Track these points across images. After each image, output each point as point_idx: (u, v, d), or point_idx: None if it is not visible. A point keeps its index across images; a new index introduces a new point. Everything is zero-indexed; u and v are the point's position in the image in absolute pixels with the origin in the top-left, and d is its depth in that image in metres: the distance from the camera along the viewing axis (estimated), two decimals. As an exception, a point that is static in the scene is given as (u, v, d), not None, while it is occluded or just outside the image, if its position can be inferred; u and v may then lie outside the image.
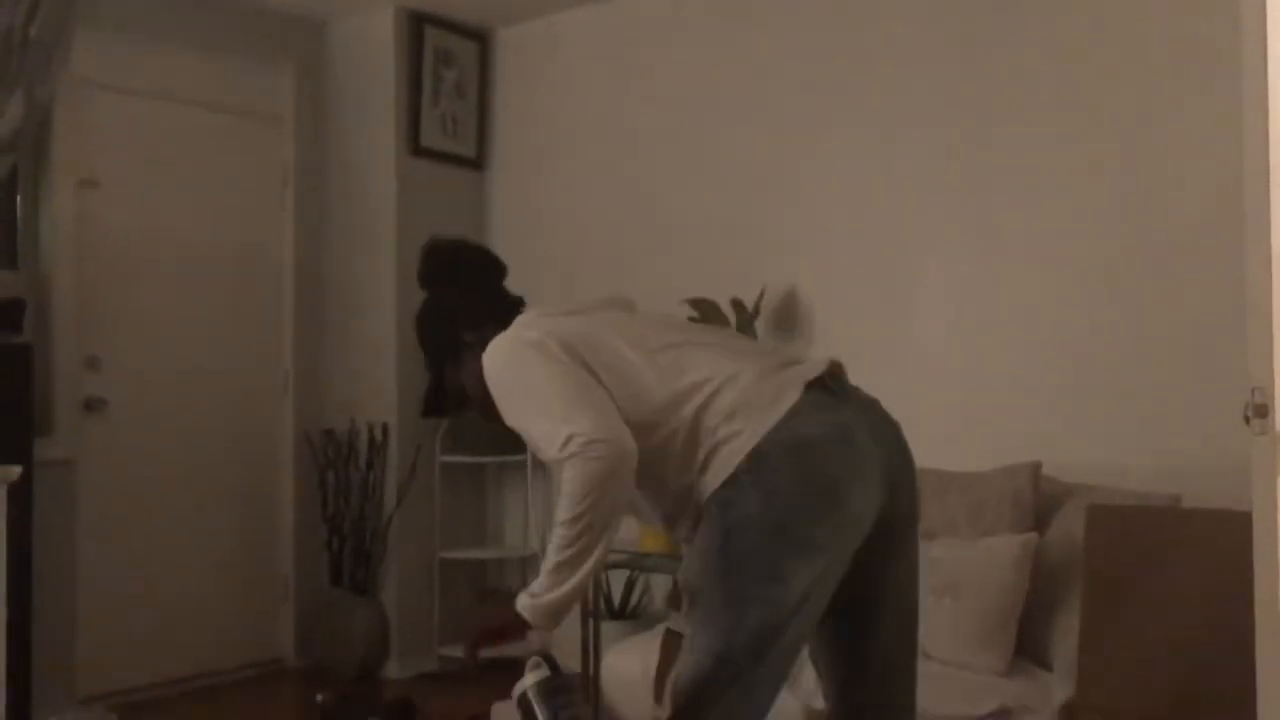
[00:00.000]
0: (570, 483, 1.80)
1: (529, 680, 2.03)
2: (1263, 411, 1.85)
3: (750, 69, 4.40)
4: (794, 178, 4.26)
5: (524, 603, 1.91)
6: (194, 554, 4.69)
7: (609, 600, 4.38)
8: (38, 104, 4.04)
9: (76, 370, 4.32)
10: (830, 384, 1.94)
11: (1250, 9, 1.89)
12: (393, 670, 4.83)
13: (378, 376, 4.94)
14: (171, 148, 4.69)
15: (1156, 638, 2.72)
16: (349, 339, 5.06)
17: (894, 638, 2.01)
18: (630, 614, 4.40)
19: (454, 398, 2.21)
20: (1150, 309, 3.49)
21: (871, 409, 1.98)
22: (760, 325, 4.15)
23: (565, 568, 1.85)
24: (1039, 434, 3.57)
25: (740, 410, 1.87)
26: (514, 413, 1.94)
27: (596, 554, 1.83)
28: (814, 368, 1.95)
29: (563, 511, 1.82)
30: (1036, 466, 3.28)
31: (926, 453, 3.58)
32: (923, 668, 2.92)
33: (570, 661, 3.82)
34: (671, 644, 1.87)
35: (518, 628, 1.93)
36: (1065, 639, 2.98)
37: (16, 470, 3.46)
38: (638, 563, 3.91)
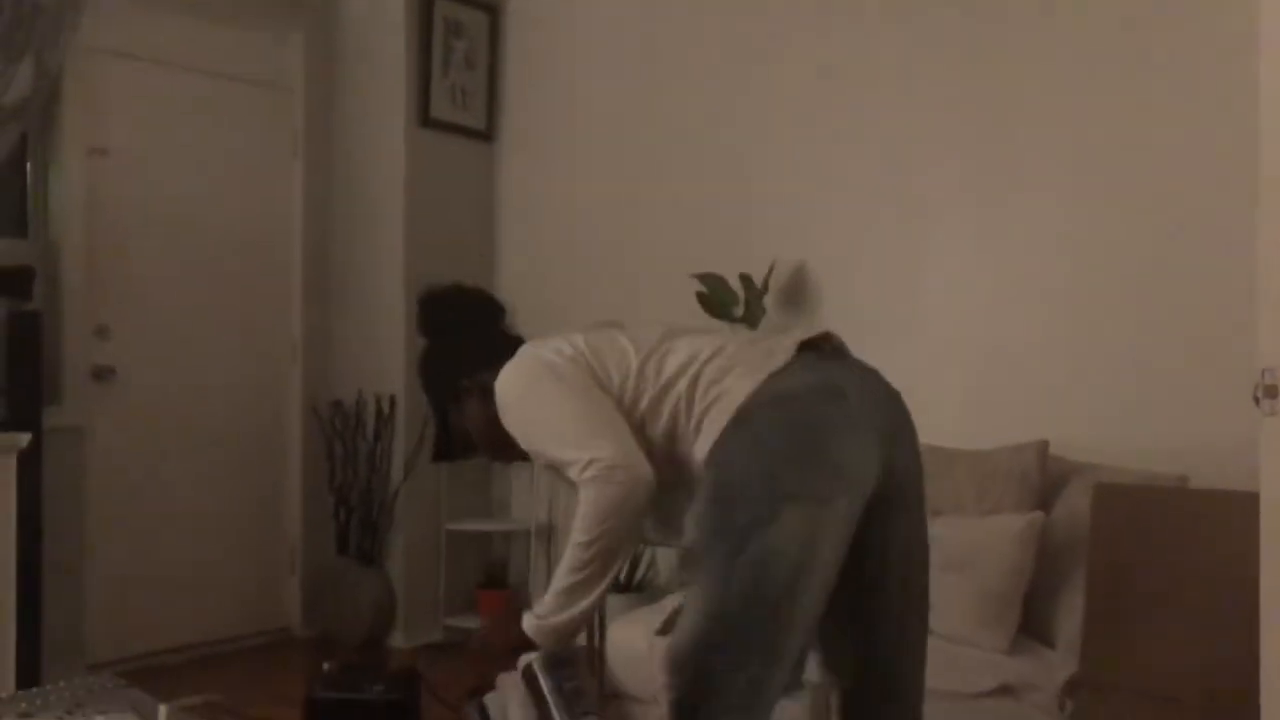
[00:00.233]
0: (588, 504, 1.82)
1: (534, 652, 2.04)
2: (1273, 392, 1.84)
3: (762, 42, 4.37)
4: (804, 152, 4.24)
5: (530, 624, 1.92)
6: (202, 523, 4.71)
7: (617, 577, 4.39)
8: (47, 72, 4.03)
9: (86, 339, 4.33)
10: (827, 346, 1.96)
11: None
12: (398, 640, 4.86)
13: (386, 348, 4.94)
14: (181, 116, 4.68)
15: (1161, 617, 2.73)
16: (357, 310, 5.07)
17: (900, 611, 1.97)
18: (636, 587, 4.41)
19: (459, 442, 2.22)
20: (1160, 289, 3.47)
21: (867, 374, 1.96)
22: (769, 300, 4.14)
23: (577, 590, 1.87)
24: (1046, 412, 3.56)
25: (729, 373, 1.88)
26: (535, 442, 1.97)
27: (607, 579, 1.85)
28: (806, 332, 1.97)
29: (578, 534, 1.84)
30: (1044, 445, 3.28)
31: (933, 430, 3.58)
32: (928, 644, 2.94)
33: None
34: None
35: (523, 646, 1.93)
36: (1069, 618, 2.98)
37: (26, 438, 3.48)
38: (644, 536, 3.92)
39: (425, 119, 4.97)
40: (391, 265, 4.94)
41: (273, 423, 5.00)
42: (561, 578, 1.87)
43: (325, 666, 3.34)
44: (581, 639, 3.78)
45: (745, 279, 4.11)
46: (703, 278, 4.14)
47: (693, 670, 1.79)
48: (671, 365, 1.94)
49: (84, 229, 4.31)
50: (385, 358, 4.94)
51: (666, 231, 4.59)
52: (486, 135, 5.21)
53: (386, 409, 4.90)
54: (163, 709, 2.11)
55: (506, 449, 2.09)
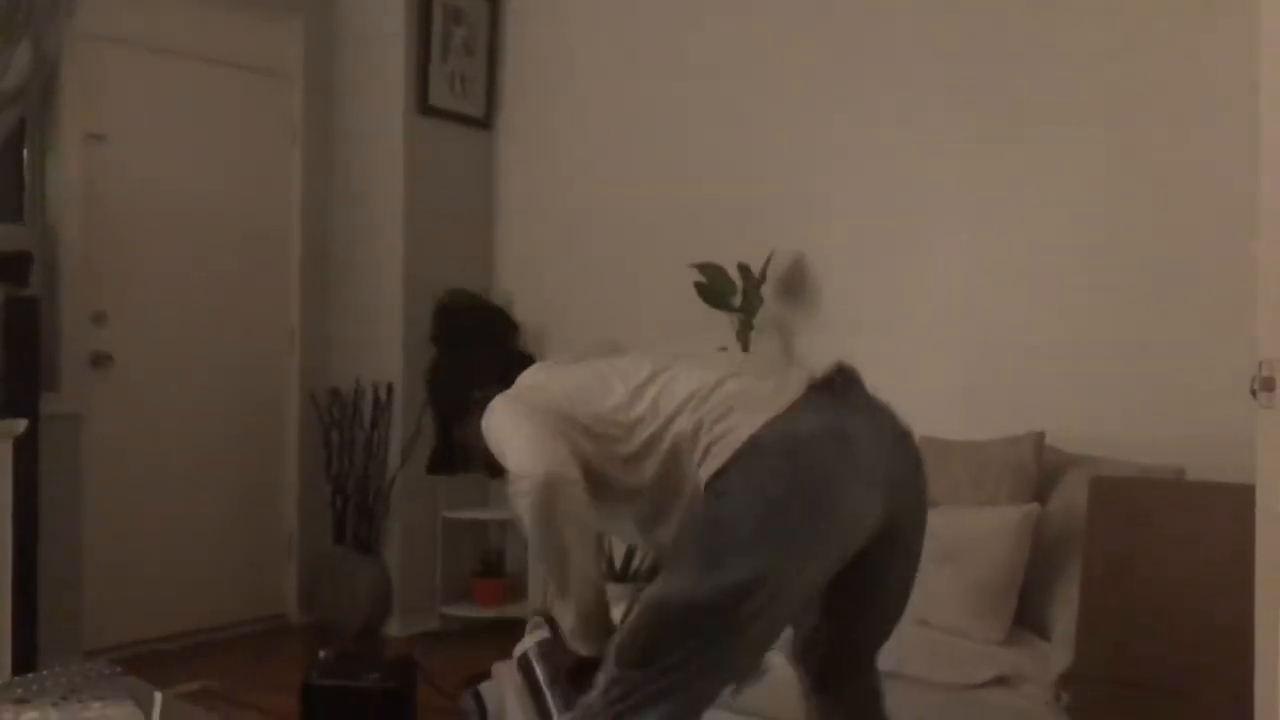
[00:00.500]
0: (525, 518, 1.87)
1: (529, 640, 2.05)
2: (1269, 385, 1.84)
3: (761, 33, 4.36)
4: (803, 143, 4.24)
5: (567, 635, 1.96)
6: (199, 510, 4.71)
7: (611, 562, 4.40)
8: (44, 57, 4.02)
9: (83, 325, 4.33)
10: (835, 386, 1.92)
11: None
12: (394, 628, 4.86)
13: (383, 336, 4.94)
14: (179, 103, 4.67)
15: (1156, 609, 2.73)
16: (355, 298, 5.06)
17: (872, 632, 2.02)
18: (632, 577, 4.41)
19: (461, 455, 2.24)
20: (1158, 280, 3.47)
21: (879, 414, 1.94)
22: (767, 290, 4.14)
23: (563, 594, 1.91)
24: (1043, 404, 3.57)
25: (737, 406, 1.87)
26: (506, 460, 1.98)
27: (574, 580, 1.87)
28: (819, 370, 1.94)
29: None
30: (1040, 436, 3.28)
31: (930, 421, 3.59)
32: (922, 636, 2.95)
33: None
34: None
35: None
36: (1065, 609, 2.99)
37: (22, 424, 3.48)
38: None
39: (424, 106, 4.96)
40: (389, 253, 4.93)
41: (270, 410, 4.99)
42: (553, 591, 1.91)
43: (322, 654, 3.35)
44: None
45: (743, 269, 4.11)
46: (701, 267, 4.14)
47: (640, 648, 1.80)
48: (680, 392, 1.93)
49: (81, 215, 4.30)
50: (382, 346, 4.94)
51: (665, 220, 4.58)
52: (485, 123, 5.20)
53: (384, 397, 4.90)
54: (158, 696, 2.12)
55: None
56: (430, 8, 4.94)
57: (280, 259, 5.03)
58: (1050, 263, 3.69)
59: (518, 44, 5.17)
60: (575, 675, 1.96)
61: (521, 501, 1.84)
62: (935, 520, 3.12)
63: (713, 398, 1.90)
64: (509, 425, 1.94)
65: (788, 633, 2.03)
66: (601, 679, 1.81)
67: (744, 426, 1.83)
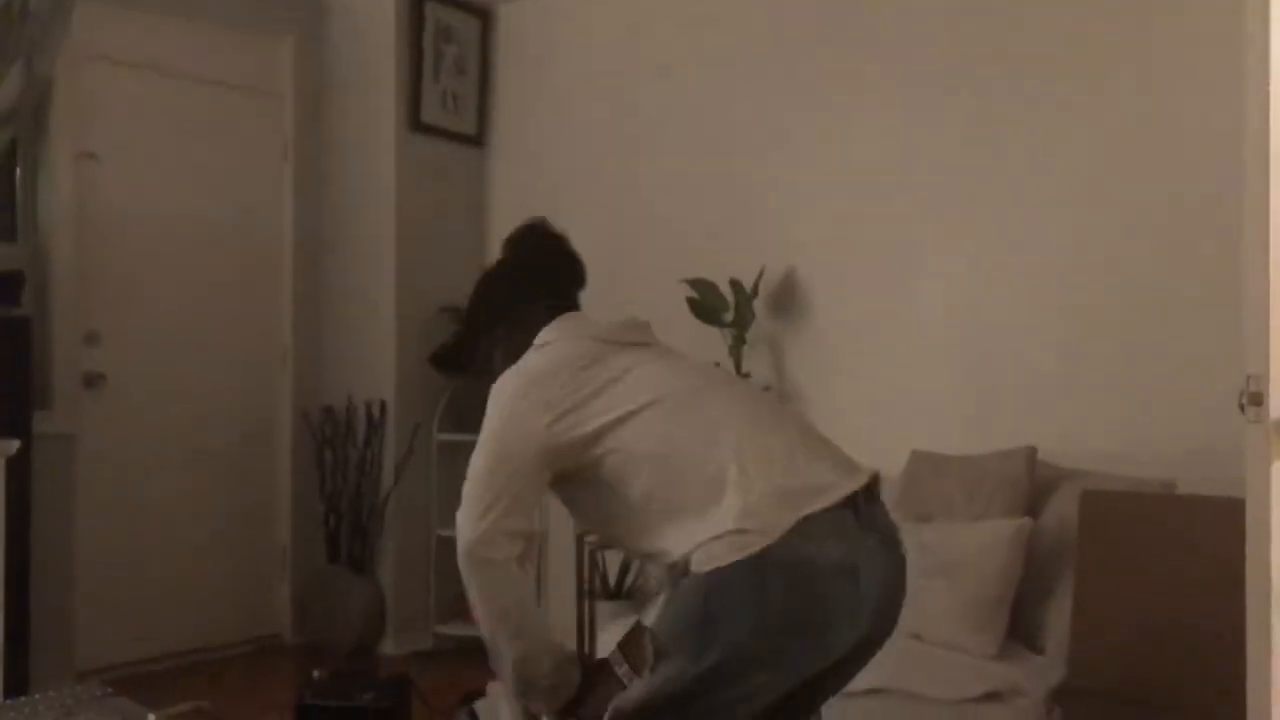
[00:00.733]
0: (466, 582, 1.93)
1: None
2: (1257, 399, 1.85)
3: (752, 49, 4.39)
4: (794, 158, 4.26)
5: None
6: (192, 529, 4.70)
7: (605, 579, 4.39)
8: (37, 77, 4.03)
9: (76, 344, 4.32)
10: (866, 501, 1.88)
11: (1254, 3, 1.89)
12: (388, 647, 4.85)
13: (376, 354, 4.94)
14: (171, 121, 4.67)
15: (1149, 623, 2.74)
16: (348, 316, 5.06)
17: (816, 702, 2.01)
18: (625, 594, 4.41)
19: (478, 362, 2.19)
20: (1147, 296, 3.49)
21: (890, 544, 1.91)
22: (759, 306, 4.15)
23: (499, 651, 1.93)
24: (1035, 418, 3.57)
25: (761, 499, 1.80)
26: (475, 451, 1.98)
27: (497, 644, 1.90)
28: (848, 480, 1.88)
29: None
30: (1032, 451, 3.29)
31: (923, 435, 3.62)
32: (915, 650, 2.95)
33: (566, 641, 3.83)
34: (640, 634, 1.86)
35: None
36: (1058, 623, 3.00)
37: (15, 444, 3.47)
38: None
39: (416, 124, 4.97)
40: (382, 270, 4.94)
41: (263, 429, 4.99)
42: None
43: (316, 674, 3.34)
44: (571, 644, 3.79)
45: (735, 284, 4.12)
46: (693, 283, 4.15)
47: None
48: (725, 441, 1.87)
49: (74, 234, 4.30)
50: (375, 363, 4.94)
51: (656, 236, 4.59)
52: (477, 140, 5.21)
53: (377, 415, 4.89)
54: (151, 717, 2.11)
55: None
56: (421, 26, 4.96)
57: (273, 277, 5.03)
58: (1041, 278, 3.70)
59: (509, 62, 5.18)
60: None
61: (464, 564, 1.94)
62: (928, 534, 3.15)
63: (750, 455, 1.85)
64: (484, 435, 1.96)
65: None
66: None
67: (756, 534, 1.78)
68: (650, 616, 1.92)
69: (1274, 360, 1.86)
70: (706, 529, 1.82)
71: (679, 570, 1.88)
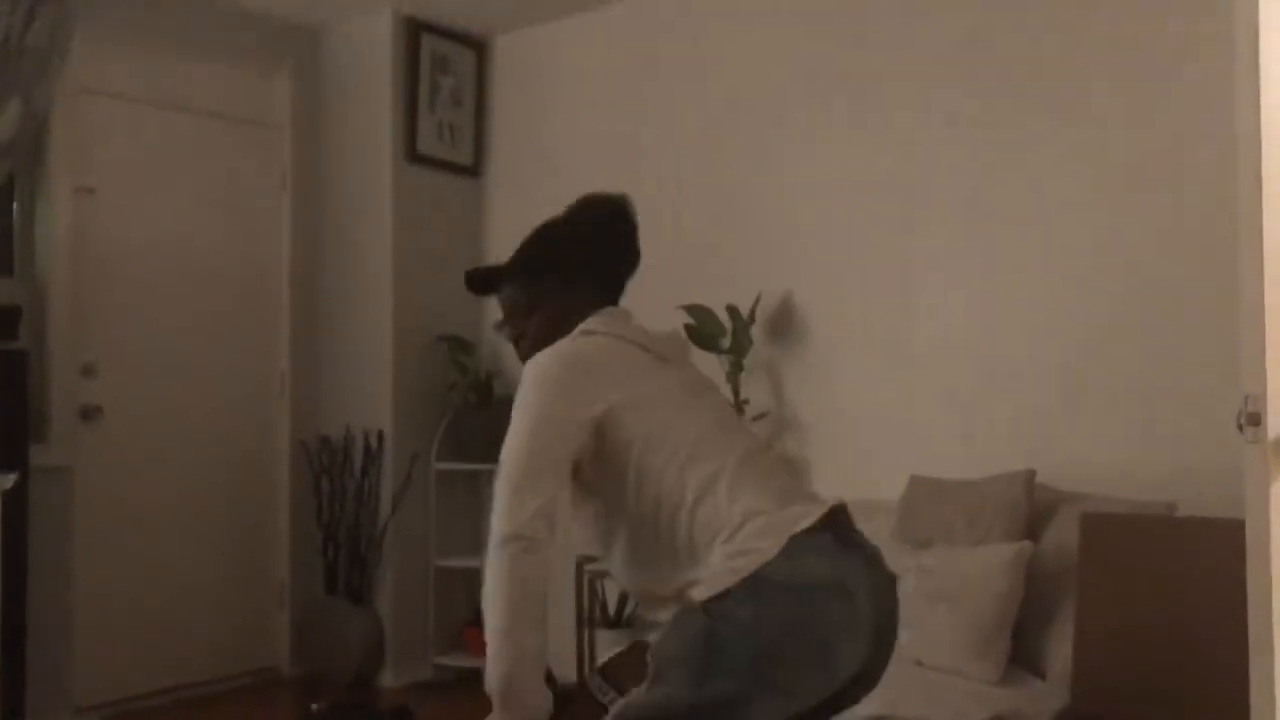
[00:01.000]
0: (489, 571, 1.85)
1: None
2: (1255, 420, 1.85)
3: (747, 76, 4.41)
4: (790, 185, 4.27)
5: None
6: (189, 562, 4.68)
7: (604, 608, 4.37)
8: (34, 110, 4.04)
9: (73, 377, 4.32)
10: (843, 524, 1.90)
11: (1243, 18, 1.90)
12: (388, 679, 4.82)
13: (373, 383, 4.94)
14: (168, 154, 4.69)
15: (1151, 646, 2.72)
16: (345, 346, 5.06)
17: None
18: (625, 622, 4.39)
19: (512, 302, 2.17)
20: (1145, 318, 3.49)
21: (875, 563, 1.92)
22: (756, 332, 4.16)
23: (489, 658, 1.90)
24: (1033, 442, 3.57)
25: (744, 524, 1.83)
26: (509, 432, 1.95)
27: (505, 642, 1.86)
28: (822, 505, 1.90)
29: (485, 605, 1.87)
30: (1031, 474, 3.28)
31: (921, 460, 3.61)
32: (917, 676, 2.94)
33: (565, 671, 3.81)
34: (636, 651, 1.86)
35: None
36: (1060, 647, 2.98)
37: (12, 478, 3.47)
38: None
39: (412, 155, 4.99)
40: (379, 301, 4.94)
41: (260, 459, 4.98)
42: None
43: (314, 707, 3.32)
44: (572, 675, 3.77)
45: (732, 310, 4.12)
46: (690, 309, 4.15)
47: None
48: (698, 475, 1.89)
49: (71, 268, 4.30)
50: (373, 393, 4.93)
51: (653, 263, 4.55)
52: (474, 171, 5.23)
53: (375, 444, 4.88)
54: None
55: (523, 346, 2.10)
56: (418, 57, 4.99)
57: (270, 308, 5.04)
58: (1040, 301, 3.71)
59: (505, 93, 5.21)
60: None
61: (498, 553, 1.85)
62: (929, 560, 3.14)
63: (719, 502, 1.86)
64: (523, 417, 1.90)
65: None
66: None
67: (751, 556, 1.80)
68: (653, 638, 1.92)
69: (1271, 380, 1.86)
70: (696, 563, 1.84)
71: (676, 601, 1.88)
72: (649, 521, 1.90)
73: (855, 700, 1.93)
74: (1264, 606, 1.87)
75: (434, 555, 4.92)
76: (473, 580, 5.06)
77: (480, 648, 5.14)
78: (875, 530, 2.20)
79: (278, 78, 5.06)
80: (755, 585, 1.78)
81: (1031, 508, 3.24)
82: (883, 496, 3.50)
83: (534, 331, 2.11)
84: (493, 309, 5.51)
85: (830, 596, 1.81)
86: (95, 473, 4.36)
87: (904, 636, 2.98)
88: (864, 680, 1.90)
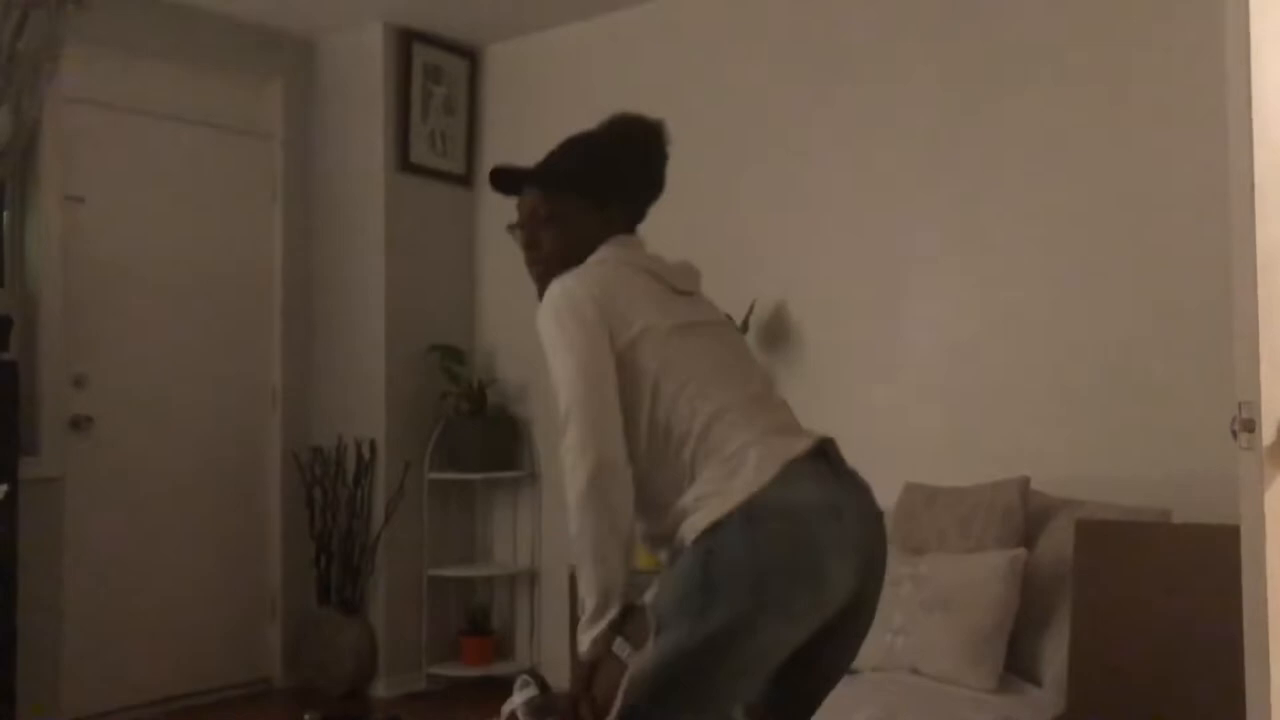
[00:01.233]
0: (569, 486, 1.85)
1: (518, 699, 2.02)
2: (1249, 426, 1.85)
3: (739, 86, 4.41)
4: (783, 193, 4.27)
5: (584, 640, 1.87)
6: (181, 572, 4.66)
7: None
8: (25, 119, 4.04)
9: (63, 388, 4.30)
10: (834, 455, 1.93)
11: (1234, 26, 1.90)
12: (380, 689, 4.80)
13: (366, 393, 4.92)
14: (160, 164, 4.68)
15: (1147, 653, 2.72)
16: (337, 355, 5.05)
17: (818, 689, 2.00)
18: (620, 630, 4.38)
19: (534, 206, 2.16)
20: (1138, 323, 3.50)
21: (861, 493, 1.95)
22: (750, 339, 4.15)
23: (582, 580, 1.86)
24: (1028, 448, 3.57)
25: (740, 453, 1.86)
26: (551, 367, 1.95)
27: (598, 562, 1.83)
28: (814, 435, 1.94)
29: (573, 521, 1.85)
30: (1025, 481, 3.28)
31: (916, 467, 3.61)
32: (913, 684, 2.93)
33: (559, 679, 3.79)
34: (639, 612, 1.84)
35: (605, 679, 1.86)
36: (1055, 654, 2.98)
37: (2, 488, 3.45)
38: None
39: (405, 164, 4.99)
40: (371, 311, 4.93)
41: (252, 470, 4.96)
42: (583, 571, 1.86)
43: (307, 717, 3.32)
44: (565, 684, 3.75)
45: (725, 318, 4.11)
46: (683, 319, 4.14)
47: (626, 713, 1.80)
48: (705, 409, 1.90)
49: (61, 277, 4.29)
50: (365, 403, 4.92)
51: (646, 273, 4.59)
52: (466, 180, 5.22)
53: (367, 454, 4.87)
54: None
55: (536, 259, 2.11)
56: (410, 66, 4.98)
57: (261, 318, 5.02)
58: (1032, 307, 3.71)
59: (497, 102, 5.21)
60: None
61: (568, 459, 1.84)
62: (923, 567, 3.14)
63: (716, 431, 1.88)
64: (568, 349, 1.90)
65: None
66: None
67: (740, 485, 1.82)
68: (648, 595, 1.91)
69: (1265, 386, 1.85)
70: (697, 481, 1.86)
71: (672, 541, 1.89)
72: (658, 450, 1.90)
73: (852, 636, 1.94)
74: (1259, 613, 1.86)
75: (427, 565, 4.90)
76: (466, 590, 5.05)
77: (474, 658, 5.16)
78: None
79: (269, 87, 5.06)
80: (748, 510, 1.80)
81: (1026, 515, 3.24)
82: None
83: (549, 246, 2.10)
84: (486, 318, 5.53)
85: (820, 517, 1.83)
86: (86, 484, 4.34)
87: (899, 643, 3.00)
88: (857, 611, 1.91)
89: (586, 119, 5.27)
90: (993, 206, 3.80)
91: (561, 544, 4.76)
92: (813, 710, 2.01)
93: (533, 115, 5.06)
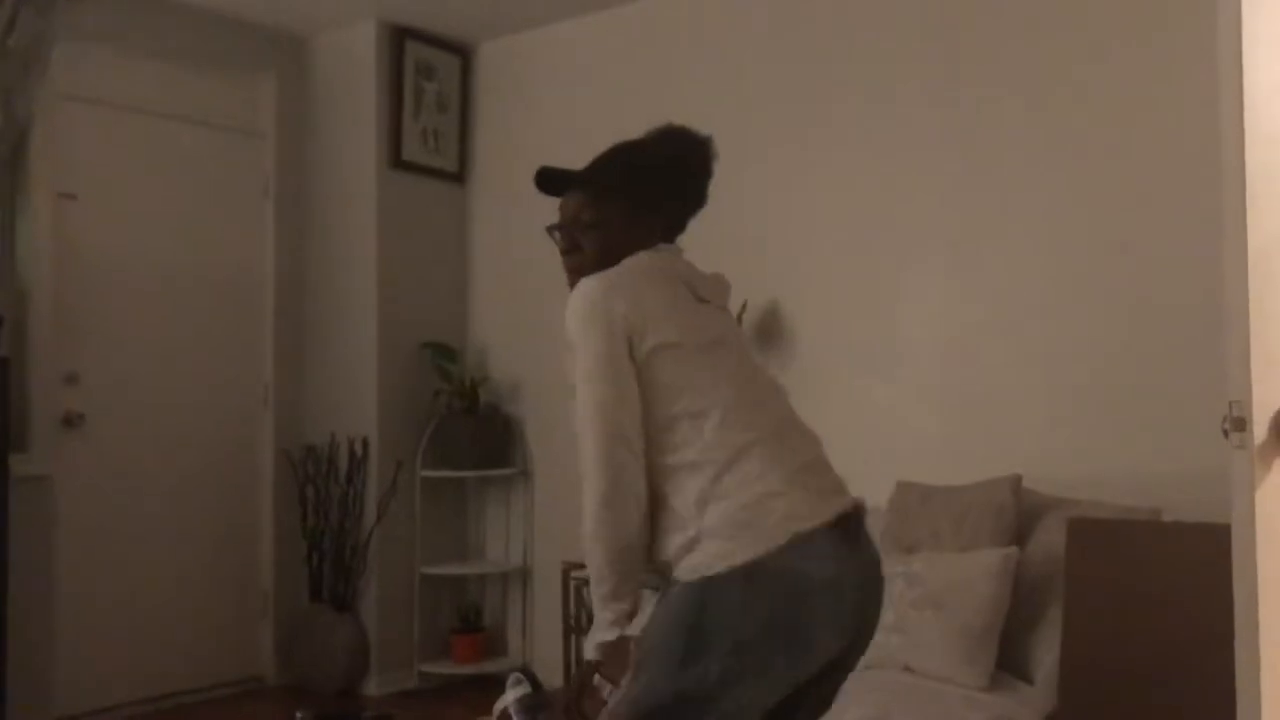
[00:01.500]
0: (586, 497, 1.83)
1: (510, 697, 2.03)
2: (1240, 425, 1.86)
3: (732, 84, 4.41)
4: (776, 192, 4.27)
5: (593, 646, 1.87)
6: (173, 570, 4.65)
7: (590, 616, 4.36)
8: (16, 117, 4.02)
9: (55, 385, 4.29)
10: (854, 525, 1.90)
11: (1226, 24, 1.91)
12: (372, 687, 4.79)
13: (358, 391, 4.92)
14: (151, 161, 4.67)
15: (1138, 651, 2.73)
16: (329, 353, 5.04)
17: None
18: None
19: (564, 188, 2.17)
20: (1130, 323, 3.51)
21: (872, 566, 1.93)
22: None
23: (599, 587, 1.85)
24: (1020, 447, 3.58)
25: (762, 503, 1.81)
26: (574, 371, 1.94)
27: (608, 549, 1.83)
28: (840, 500, 1.90)
29: (586, 522, 1.84)
30: (1017, 480, 3.29)
31: (908, 466, 3.61)
32: (906, 683, 2.94)
33: (551, 678, 3.80)
34: (623, 644, 1.84)
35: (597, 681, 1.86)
36: (1047, 652, 2.98)
37: (-8, 486, 3.44)
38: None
39: (397, 161, 4.98)
40: (364, 308, 4.92)
41: (244, 467, 4.95)
42: (596, 586, 1.85)
43: (299, 715, 3.31)
44: (557, 682, 3.75)
45: (718, 318, 4.11)
46: (676, 317, 4.14)
47: None
48: (728, 440, 1.86)
49: (53, 275, 4.27)
50: (357, 401, 4.91)
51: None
52: (459, 177, 5.22)
53: (359, 452, 4.86)
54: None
55: (575, 264, 2.09)
56: (402, 64, 4.98)
57: (254, 315, 5.01)
58: (1025, 306, 3.72)
59: (490, 99, 5.20)
60: None
61: (594, 477, 1.83)
62: (915, 565, 3.14)
63: (732, 476, 1.84)
64: (593, 356, 1.88)
65: None
66: None
67: (748, 541, 1.79)
68: (635, 626, 1.90)
69: (1256, 385, 1.86)
70: (701, 527, 1.81)
71: (666, 569, 1.87)
72: (670, 469, 1.87)
73: (836, 681, 1.93)
74: (1249, 611, 1.87)
75: (419, 563, 4.90)
76: (458, 588, 5.05)
77: (466, 656, 5.15)
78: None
79: (262, 84, 5.05)
80: (752, 570, 1.77)
81: (1018, 513, 3.24)
82: (869, 502, 3.49)
83: (589, 251, 2.08)
84: (478, 316, 5.52)
85: (822, 593, 1.81)
86: (77, 481, 4.33)
87: (892, 642, 3.00)
88: (844, 665, 1.90)
89: (579, 116, 5.31)
90: (985, 206, 3.81)
91: (553, 542, 4.77)
92: None
93: (525, 113, 5.06)
